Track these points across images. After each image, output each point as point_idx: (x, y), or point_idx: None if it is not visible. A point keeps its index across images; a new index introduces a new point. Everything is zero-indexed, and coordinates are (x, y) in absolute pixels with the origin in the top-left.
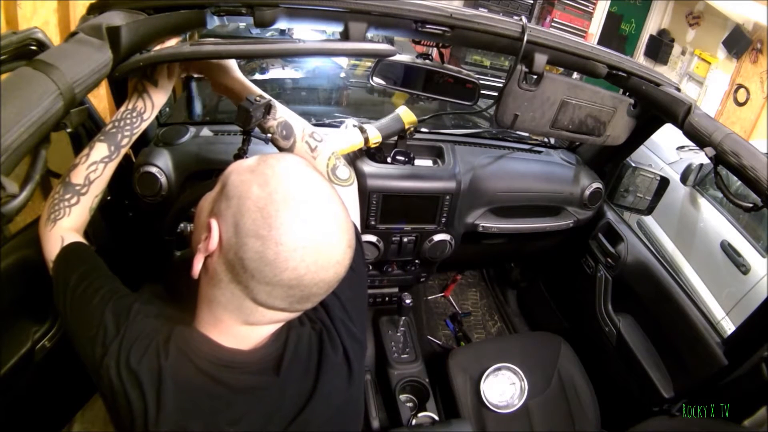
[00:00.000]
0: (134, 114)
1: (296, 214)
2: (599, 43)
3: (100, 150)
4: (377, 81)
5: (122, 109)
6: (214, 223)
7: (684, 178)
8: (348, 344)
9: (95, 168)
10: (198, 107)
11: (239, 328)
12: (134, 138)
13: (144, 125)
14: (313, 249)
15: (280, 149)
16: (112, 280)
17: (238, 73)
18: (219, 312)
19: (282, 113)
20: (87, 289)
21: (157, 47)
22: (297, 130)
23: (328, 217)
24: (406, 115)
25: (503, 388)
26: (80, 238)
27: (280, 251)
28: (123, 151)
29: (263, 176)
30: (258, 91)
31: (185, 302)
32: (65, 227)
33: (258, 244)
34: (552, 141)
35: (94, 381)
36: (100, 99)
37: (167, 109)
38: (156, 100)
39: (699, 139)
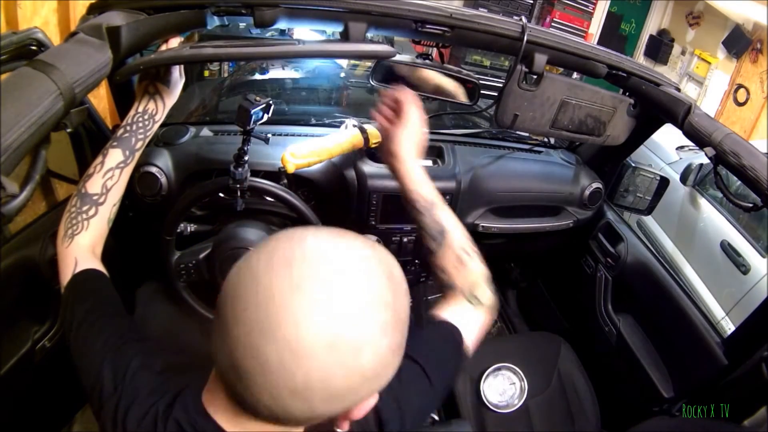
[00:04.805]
0: (146, 116)
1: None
2: (599, 43)
3: (114, 156)
4: (377, 81)
5: (132, 113)
6: None
7: (684, 178)
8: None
9: (112, 174)
10: None
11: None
12: (147, 140)
13: (156, 127)
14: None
15: None
16: (118, 318)
17: None
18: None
19: None
20: (90, 328)
21: (162, 47)
22: None
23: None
24: None
25: (503, 388)
26: (94, 261)
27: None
28: (137, 155)
29: (256, 255)
30: None
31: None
32: (82, 244)
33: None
34: (552, 141)
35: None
36: (100, 99)
37: None
38: (167, 101)
39: (699, 139)
